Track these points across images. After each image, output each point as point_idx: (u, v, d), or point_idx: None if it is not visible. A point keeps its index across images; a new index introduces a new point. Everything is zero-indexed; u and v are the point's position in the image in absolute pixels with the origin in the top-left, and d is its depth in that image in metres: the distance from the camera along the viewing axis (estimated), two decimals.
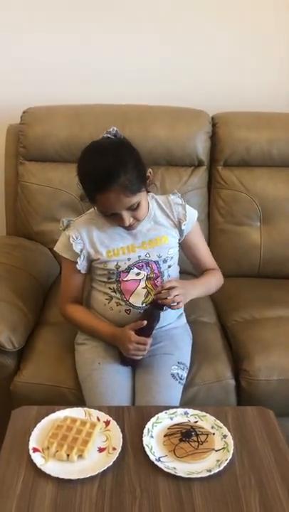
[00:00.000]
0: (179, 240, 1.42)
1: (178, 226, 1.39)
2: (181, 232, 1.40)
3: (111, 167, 1.21)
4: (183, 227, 1.39)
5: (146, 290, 1.36)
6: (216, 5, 1.95)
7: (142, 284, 1.36)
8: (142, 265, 1.36)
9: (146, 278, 1.36)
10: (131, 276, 1.35)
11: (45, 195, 1.84)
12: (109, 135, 1.32)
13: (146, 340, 1.27)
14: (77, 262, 1.36)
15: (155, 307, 1.28)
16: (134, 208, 1.27)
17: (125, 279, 1.35)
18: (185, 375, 1.35)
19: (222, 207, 1.89)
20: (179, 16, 1.96)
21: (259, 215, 1.87)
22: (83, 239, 1.35)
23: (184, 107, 1.90)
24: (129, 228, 1.32)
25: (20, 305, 1.49)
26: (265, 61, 2.04)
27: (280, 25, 1.99)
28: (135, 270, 1.35)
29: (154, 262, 1.36)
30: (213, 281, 1.45)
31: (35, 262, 1.76)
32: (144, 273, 1.36)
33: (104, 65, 2.00)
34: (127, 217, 1.27)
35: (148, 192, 1.36)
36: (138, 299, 1.36)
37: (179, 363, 1.35)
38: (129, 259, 1.35)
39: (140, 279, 1.36)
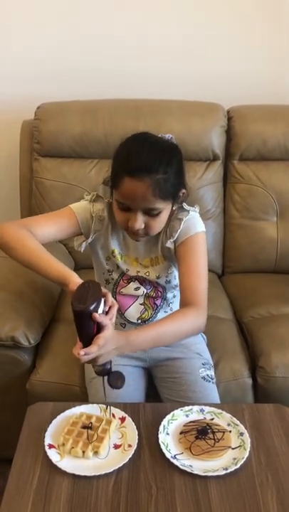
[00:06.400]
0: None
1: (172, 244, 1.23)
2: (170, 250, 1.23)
3: (156, 158, 1.09)
4: (167, 245, 1.22)
5: (143, 307, 1.30)
6: None
7: (140, 300, 1.29)
8: (144, 282, 1.28)
9: (146, 295, 1.29)
10: (129, 290, 1.28)
11: (60, 191, 1.84)
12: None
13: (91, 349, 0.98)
14: (81, 233, 1.24)
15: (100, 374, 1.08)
16: (151, 215, 1.13)
17: (123, 292, 1.29)
18: (213, 372, 1.33)
19: (238, 202, 1.87)
20: (194, 10, 1.94)
21: (275, 210, 1.84)
22: (105, 223, 1.24)
23: (199, 100, 1.88)
24: (134, 236, 1.20)
25: (36, 301, 1.49)
26: (281, 54, 2.00)
27: None
28: (135, 284, 1.28)
29: (155, 282, 1.27)
30: (170, 330, 1.12)
31: None
32: (143, 290, 1.28)
33: (117, 60, 1.99)
34: (140, 220, 1.12)
35: (173, 210, 1.20)
36: (134, 315, 1.30)
37: (203, 364, 1.32)
38: (127, 270, 1.27)
39: (138, 296, 1.29)
